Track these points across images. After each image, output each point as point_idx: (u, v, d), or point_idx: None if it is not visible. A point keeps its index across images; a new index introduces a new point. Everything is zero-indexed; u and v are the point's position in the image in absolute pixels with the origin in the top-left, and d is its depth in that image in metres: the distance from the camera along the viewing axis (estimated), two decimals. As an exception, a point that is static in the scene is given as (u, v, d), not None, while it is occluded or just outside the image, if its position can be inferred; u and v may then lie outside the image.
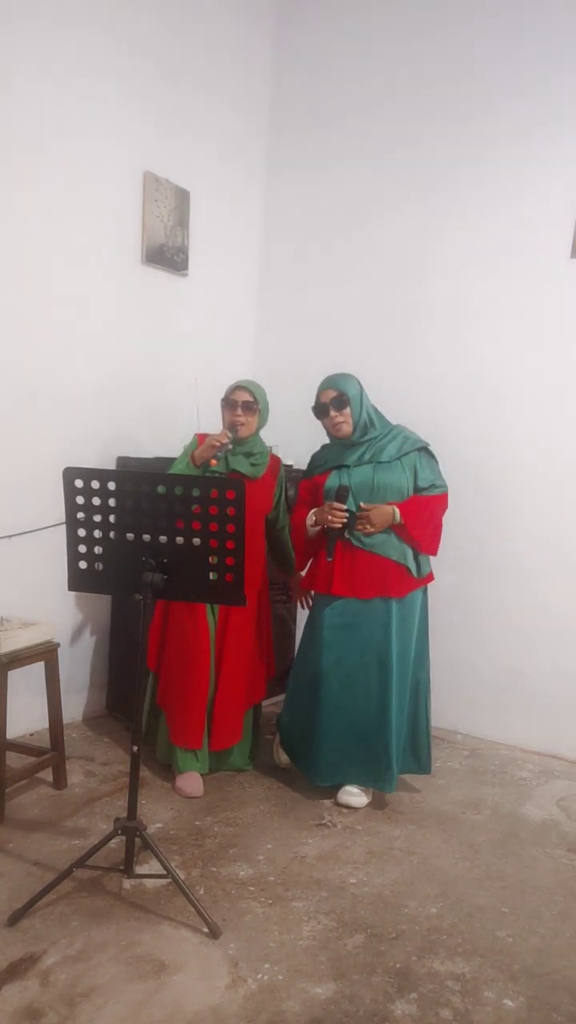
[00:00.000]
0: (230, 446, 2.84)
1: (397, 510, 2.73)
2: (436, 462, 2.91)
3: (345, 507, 2.72)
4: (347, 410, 2.79)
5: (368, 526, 2.72)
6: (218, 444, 2.79)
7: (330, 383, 2.83)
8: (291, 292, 4.16)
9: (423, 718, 2.94)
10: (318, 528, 2.84)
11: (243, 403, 2.88)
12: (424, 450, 2.87)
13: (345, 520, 2.71)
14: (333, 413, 2.79)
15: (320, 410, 2.84)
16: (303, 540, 2.93)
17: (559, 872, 2.51)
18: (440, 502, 2.85)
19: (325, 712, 2.81)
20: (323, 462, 2.92)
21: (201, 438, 2.94)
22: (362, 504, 2.74)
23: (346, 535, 2.74)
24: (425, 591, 2.92)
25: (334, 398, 2.79)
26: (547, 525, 3.46)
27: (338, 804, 2.84)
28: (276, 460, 3.05)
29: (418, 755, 2.96)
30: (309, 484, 2.95)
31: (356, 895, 2.29)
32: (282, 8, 4.10)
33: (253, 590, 2.94)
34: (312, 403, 2.86)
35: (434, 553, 2.86)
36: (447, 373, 3.65)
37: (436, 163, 3.65)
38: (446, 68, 3.60)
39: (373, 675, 2.78)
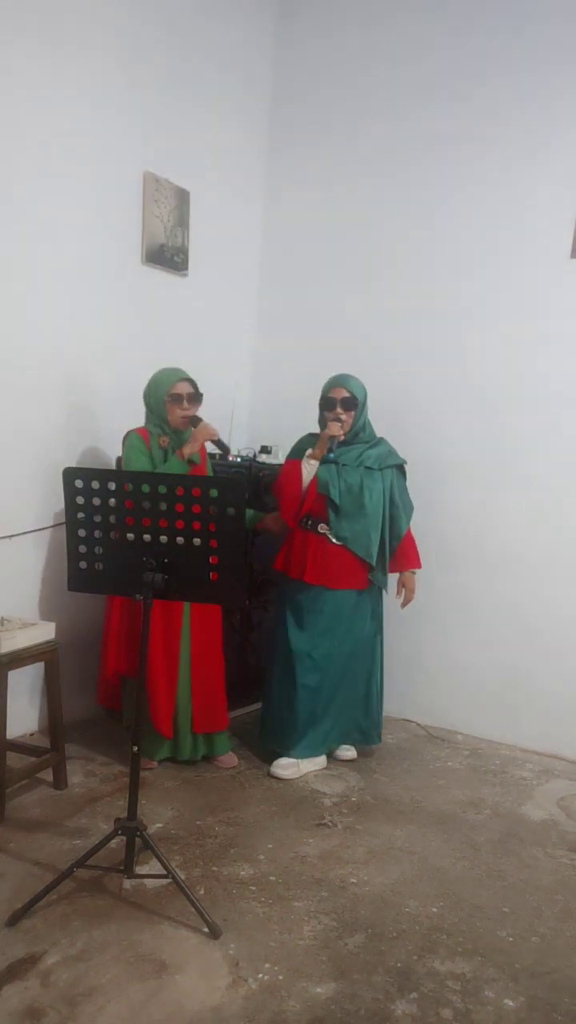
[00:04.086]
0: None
1: (413, 570, 3.17)
2: (405, 481, 3.17)
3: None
4: (352, 413, 2.99)
5: (411, 596, 3.19)
6: (216, 438, 2.93)
7: (344, 382, 3.01)
8: (291, 292, 4.15)
9: (375, 692, 3.24)
10: (315, 462, 2.99)
11: (188, 395, 2.91)
12: (401, 469, 3.13)
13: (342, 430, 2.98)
14: (339, 411, 2.98)
15: (328, 403, 3.02)
16: (298, 486, 3.00)
17: (559, 871, 2.51)
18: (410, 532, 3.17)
19: (303, 691, 3.03)
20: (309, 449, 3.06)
21: (143, 432, 2.92)
22: (403, 585, 3.17)
23: (319, 530, 2.99)
24: (380, 590, 3.16)
25: (345, 398, 2.98)
26: (547, 524, 3.45)
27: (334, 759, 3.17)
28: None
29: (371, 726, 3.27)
30: (295, 463, 3.05)
31: (357, 895, 2.29)
32: (282, 10, 4.10)
33: None
34: (318, 397, 3.05)
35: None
36: (447, 373, 3.65)
37: (436, 163, 3.65)
38: (446, 71, 3.60)
39: (342, 657, 3.05)
